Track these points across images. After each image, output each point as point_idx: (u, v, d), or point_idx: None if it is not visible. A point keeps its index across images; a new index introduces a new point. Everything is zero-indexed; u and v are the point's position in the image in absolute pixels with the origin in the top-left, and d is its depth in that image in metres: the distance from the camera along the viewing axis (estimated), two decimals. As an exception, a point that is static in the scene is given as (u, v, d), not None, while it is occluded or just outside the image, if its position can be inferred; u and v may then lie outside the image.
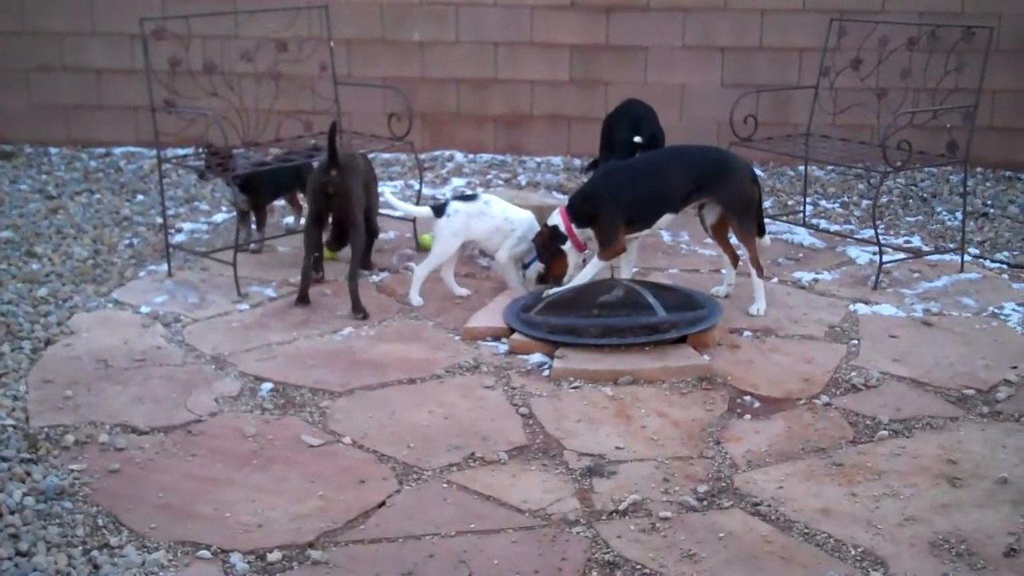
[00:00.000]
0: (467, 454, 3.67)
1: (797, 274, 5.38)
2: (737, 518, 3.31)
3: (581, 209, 4.79)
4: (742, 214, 4.77)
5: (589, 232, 4.79)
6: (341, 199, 4.88)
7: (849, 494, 3.43)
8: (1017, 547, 3.13)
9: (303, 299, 4.96)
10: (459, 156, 7.66)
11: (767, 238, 4.98)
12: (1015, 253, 5.69)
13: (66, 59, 7.86)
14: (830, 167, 7.08)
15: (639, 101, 6.17)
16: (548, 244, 4.82)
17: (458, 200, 5.05)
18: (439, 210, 4.96)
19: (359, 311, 4.81)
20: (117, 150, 7.84)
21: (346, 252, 5.13)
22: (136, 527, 3.25)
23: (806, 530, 3.24)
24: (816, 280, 5.30)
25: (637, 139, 5.73)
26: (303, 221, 5.37)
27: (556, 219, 4.82)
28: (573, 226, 4.78)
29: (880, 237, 5.44)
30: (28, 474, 3.49)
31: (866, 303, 4.99)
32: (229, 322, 4.81)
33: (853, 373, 4.27)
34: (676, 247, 5.81)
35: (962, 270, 5.41)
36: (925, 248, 5.78)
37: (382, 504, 3.39)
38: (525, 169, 7.37)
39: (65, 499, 3.39)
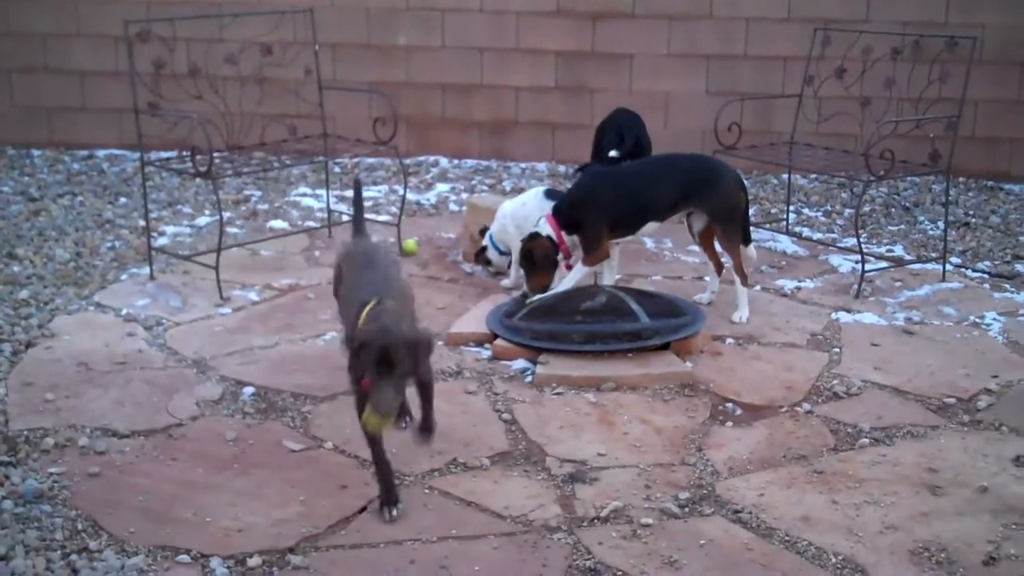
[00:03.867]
0: (449, 460, 3.67)
1: (780, 282, 5.39)
2: (718, 525, 3.31)
3: (569, 215, 4.77)
4: (728, 223, 4.77)
5: (573, 238, 4.79)
6: None
7: (830, 502, 3.43)
8: (996, 555, 3.14)
9: None
10: (444, 161, 7.66)
11: (752, 248, 4.96)
12: (996, 263, 5.72)
13: (49, 60, 7.83)
14: (813, 175, 7.11)
15: (627, 110, 6.13)
16: (550, 255, 4.75)
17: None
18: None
19: None
20: (100, 152, 7.82)
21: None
22: (115, 531, 3.23)
23: (787, 537, 3.25)
24: (799, 288, 5.32)
25: (613, 153, 5.69)
26: None
27: (547, 228, 4.78)
28: (563, 233, 4.77)
29: (862, 246, 5.46)
30: (7, 477, 3.47)
31: (848, 311, 5.00)
32: (211, 326, 4.79)
33: (835, 381, 4.28)
34: (660, 254, 5.82)
35: (944, 279, 5.43)
36: (907, 257, 5.80)
37: (363, 509, 3.38)
38: (510, 175, 7.38)
39: (44, 502, 3.37)
